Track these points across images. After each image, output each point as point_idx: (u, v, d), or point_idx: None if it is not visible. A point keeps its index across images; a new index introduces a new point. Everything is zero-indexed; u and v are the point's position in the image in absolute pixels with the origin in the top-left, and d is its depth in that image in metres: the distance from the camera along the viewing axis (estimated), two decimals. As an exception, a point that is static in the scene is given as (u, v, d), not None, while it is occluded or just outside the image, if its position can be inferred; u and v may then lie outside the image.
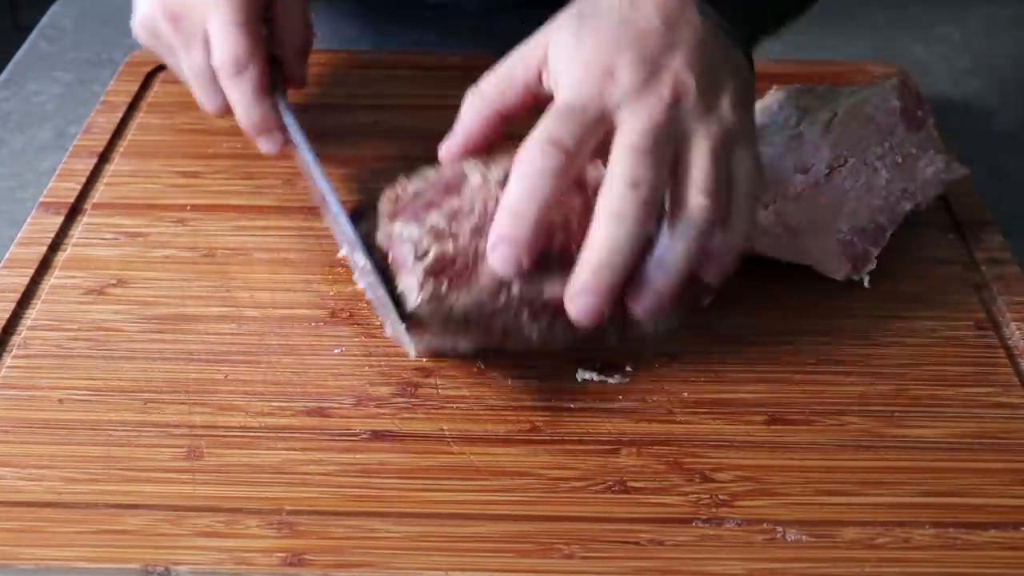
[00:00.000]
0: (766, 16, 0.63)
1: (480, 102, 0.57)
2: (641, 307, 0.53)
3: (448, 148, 0.57)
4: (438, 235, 0.53)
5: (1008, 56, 0.93)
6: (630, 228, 0.50)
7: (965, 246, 0.67)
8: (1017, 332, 0.60)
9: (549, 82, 0.55)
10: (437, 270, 0.53)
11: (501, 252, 0.50)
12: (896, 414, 0.56)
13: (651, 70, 0.52)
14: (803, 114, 0.65)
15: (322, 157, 0.72)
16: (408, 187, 0.57)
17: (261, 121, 0.66)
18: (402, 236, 0.54)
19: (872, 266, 0.61)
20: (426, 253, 0.53)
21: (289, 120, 0.66)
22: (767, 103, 0.69)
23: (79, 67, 0.87)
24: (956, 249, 0.66)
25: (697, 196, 0.51)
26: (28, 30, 0.93)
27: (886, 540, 0.50)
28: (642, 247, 0.51)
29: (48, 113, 0.82)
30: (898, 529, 0.50)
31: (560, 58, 0.54)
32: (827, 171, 0.62)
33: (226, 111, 0.67)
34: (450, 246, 0.53)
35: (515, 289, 0.53)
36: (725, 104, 0.53)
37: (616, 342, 0.56)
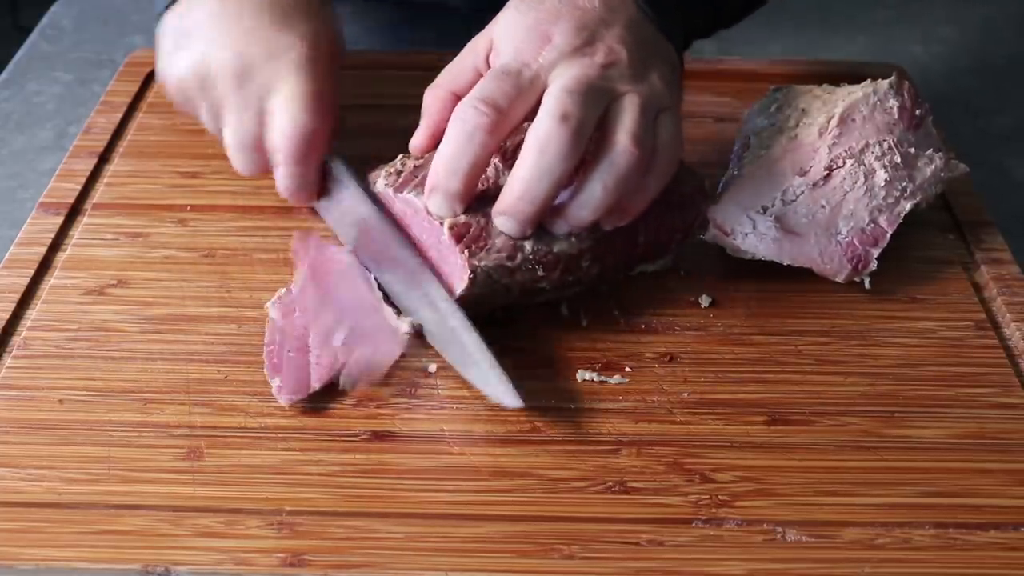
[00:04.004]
0: (699, 20, 0.66)
1: (437, 91, 0.60)
2: (559, 231, 0.57)
3: (420, 139, 0.60)
4: None
5: (1008, 56, 0.93)
6: (553, 161, 0.53)
7: (965, 246, 0.67)
8: (1017, 332, 0.60)
9: (494, 59, 0.58)
10: (455, 238, 0.56)
11: (435, 200, 0.56)
12: (896, 414, 0.55)
13: (587, 38, 0.56)
14: (802, 114, 0.65)
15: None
16: (408, 162, 0.60)
17: (305, 192, 0.62)
18: (413, 206, 0.58)
19: (873, 267, 0.61)
20: (440, 222, 0.56)
21: (343, 174, 0.62)
22: (766, 103, 0.69)
23: (79, 67, 0.87)
24: (956, 249, 0.66)
25: (624, 137, 0.54)
26: (28, 30, 0.93)
27: (886, 541, 0.50)
28: (566, 179, 0.54)
29: (48, 113, 0.82)
30: (898, 530, 0.50)
31: (502, 34, 0.58)
32: (826, 172, 0.62)
33: (261, 175, 0.63)
34: (460, 215, 0.56)
35: (528, 247, 0.56)
36: (654, 76, 0.57)
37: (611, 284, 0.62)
